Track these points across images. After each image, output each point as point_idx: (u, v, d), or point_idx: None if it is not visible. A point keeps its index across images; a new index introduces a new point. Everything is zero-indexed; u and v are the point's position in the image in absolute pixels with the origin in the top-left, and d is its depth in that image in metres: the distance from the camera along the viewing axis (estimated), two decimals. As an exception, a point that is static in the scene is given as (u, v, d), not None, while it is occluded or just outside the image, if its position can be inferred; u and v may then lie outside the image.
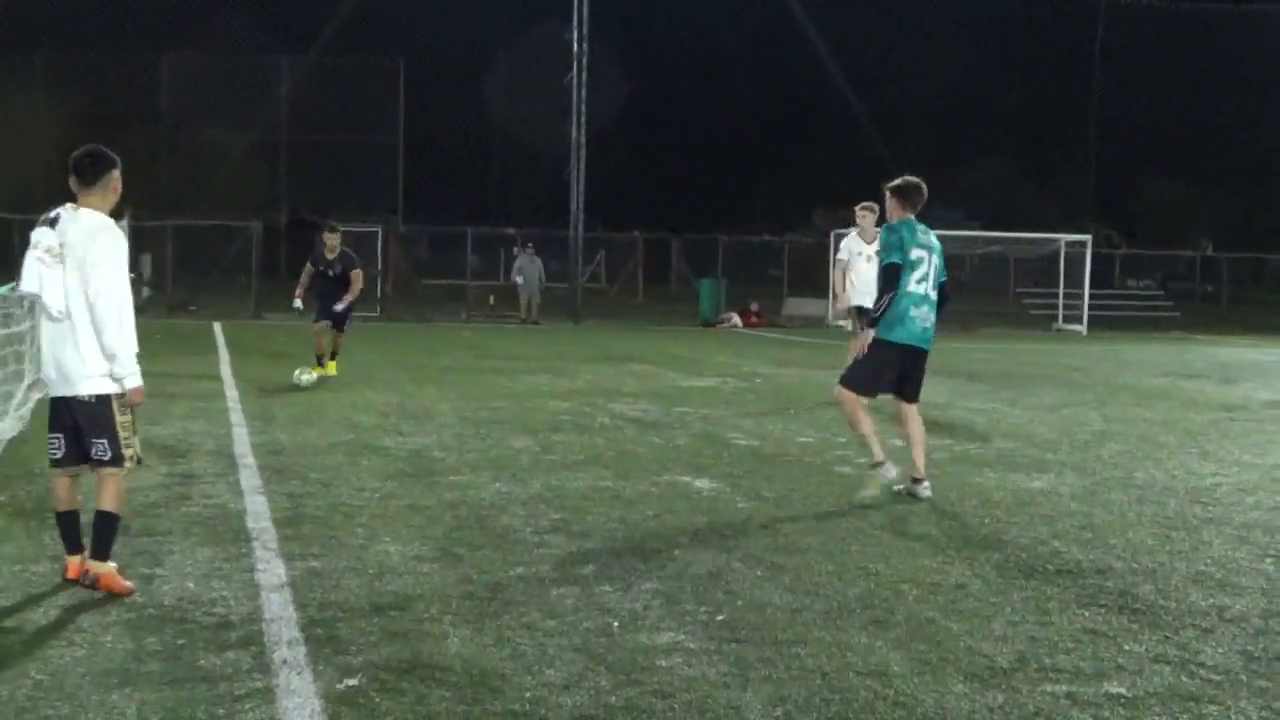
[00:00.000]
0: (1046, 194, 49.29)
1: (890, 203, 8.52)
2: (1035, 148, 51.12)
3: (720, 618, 5.55)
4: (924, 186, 8.52)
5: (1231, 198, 52.15)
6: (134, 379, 5.71)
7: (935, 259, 8.40)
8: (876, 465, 8.43)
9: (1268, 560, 6.88)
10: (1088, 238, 35.49)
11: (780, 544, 6.97)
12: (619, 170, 43.96)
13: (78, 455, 5.78)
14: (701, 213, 47.40)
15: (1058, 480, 9.27)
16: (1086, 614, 5.74)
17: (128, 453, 5.78)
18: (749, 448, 10.57)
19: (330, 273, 14.96)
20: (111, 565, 5.73)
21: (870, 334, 8.30)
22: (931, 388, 14.77)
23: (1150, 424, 12.80)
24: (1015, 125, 51.33)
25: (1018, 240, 38.07)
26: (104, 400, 5.70)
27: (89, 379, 5.67)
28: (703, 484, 8.81)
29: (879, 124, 48.10)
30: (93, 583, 5.65)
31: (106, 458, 5.73)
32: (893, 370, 8.36)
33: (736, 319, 31.93)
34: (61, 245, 5.63)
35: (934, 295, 8.36)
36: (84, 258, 5.59)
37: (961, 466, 9.81)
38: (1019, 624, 5.57)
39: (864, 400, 8.47)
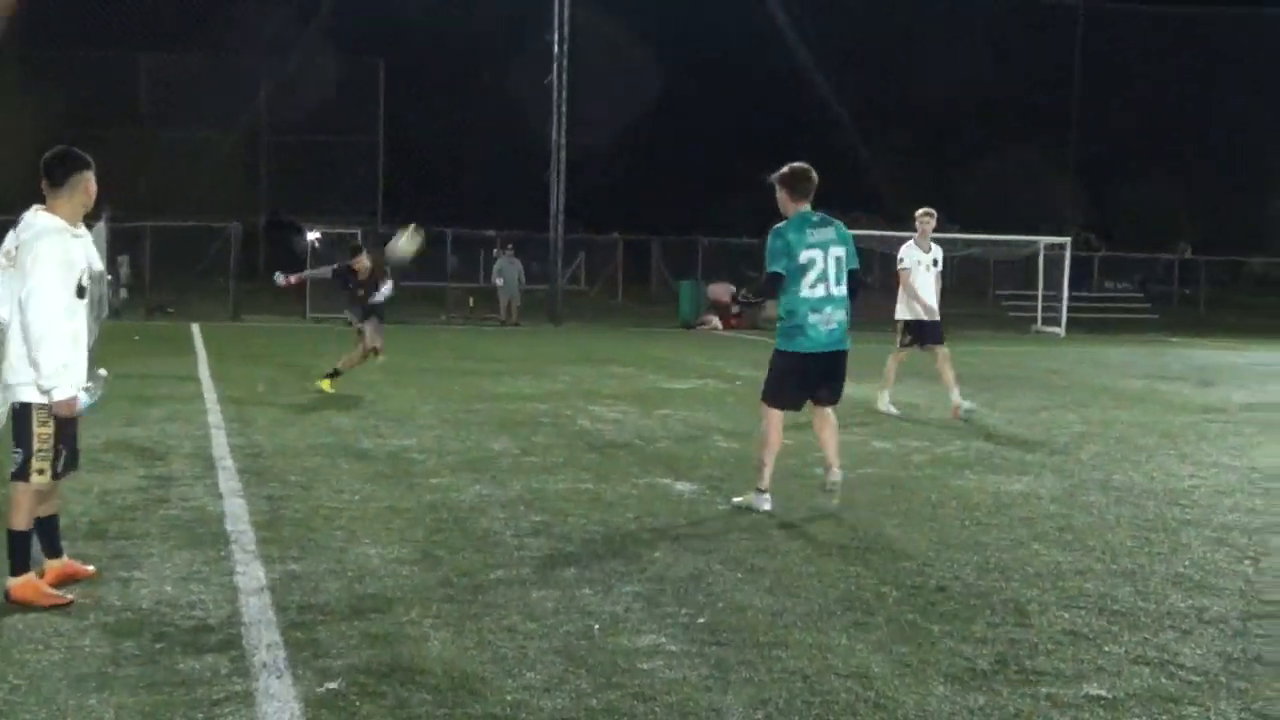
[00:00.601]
0: (1026, 196, 49.44)
1: (780, 194, 7.90)
2: (1015, 150, 51.30)
3: (701, 620, 5.54)
4: (813, 173, 7.90)
5: (1210, 201, 52.43)
6: (61, 391, 5.48)
7: (837, 250, 7.77)
8: (759, 491, 7.96)
9: (1246, 562, 6.91)
10: (1067, 240, 35.60)
11: (761, 546, 6.98)
12: (599, 171, 43.95)
13: None
14: (681, 214, 47.38)
15: (1037, 482, 9.30)
16: (1066, 616, 5.75)
17: (37, 466, 5.59)
18: (730, 450, 10.57)
19: (362, 280, 15.40)
20: (24, 579, 5.58)
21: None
22: (911, 390, 14.87)
23: (1128, 426, 12.85)
24: (995, 128, 51.48)
25: (996, 242, 38.16)
26: (26, 409, 5.58)
27: (19, 387, 5.56)
28: (683, 486, 8.80)
29: (858, 126, 48.24)
30: (3, 597, 5.57)
31: (13, 470, 5.62)
32: (803, 379, 7.92)
33: (716, 320, 31.94)
34: (16, 249, 5.53)
35: (838, 291, 7.76)
36: (24, 258, 5.45)
37: (941, 469, 9.83)
38: (999, 626, 5.58)
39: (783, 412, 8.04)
